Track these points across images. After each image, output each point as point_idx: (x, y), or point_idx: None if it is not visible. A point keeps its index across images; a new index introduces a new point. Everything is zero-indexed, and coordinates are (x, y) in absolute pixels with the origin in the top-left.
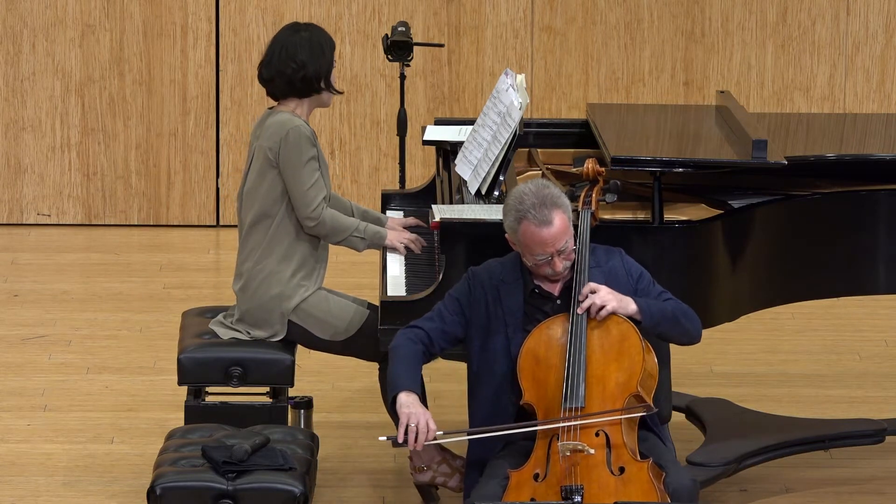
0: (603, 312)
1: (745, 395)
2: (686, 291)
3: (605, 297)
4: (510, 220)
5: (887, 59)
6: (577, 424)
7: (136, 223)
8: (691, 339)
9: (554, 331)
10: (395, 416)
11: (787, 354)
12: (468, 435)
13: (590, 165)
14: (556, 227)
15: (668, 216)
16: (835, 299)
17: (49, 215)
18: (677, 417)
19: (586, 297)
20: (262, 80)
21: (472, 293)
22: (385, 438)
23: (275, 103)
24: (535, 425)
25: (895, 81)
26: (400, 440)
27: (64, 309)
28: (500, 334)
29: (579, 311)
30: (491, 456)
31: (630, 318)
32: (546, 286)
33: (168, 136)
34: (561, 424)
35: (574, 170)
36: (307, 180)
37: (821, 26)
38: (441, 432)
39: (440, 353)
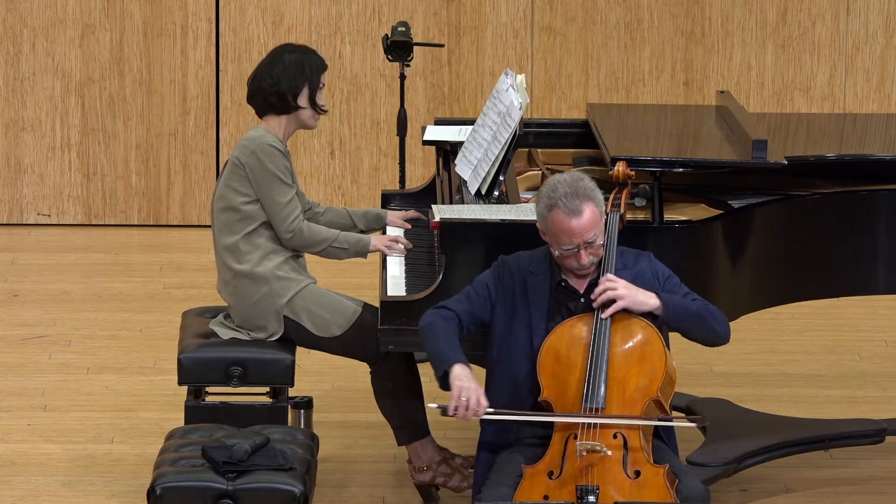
0: (611, 309)
1: (745, 395)
2: None
3: (620, 292)
4: (541, 206)
5: (887, 59)
6: (615, 424)
7: (136, 223)
8: (719, 338)
9: (577, 330)
10: (446, 389)
11: (787, 354)
12: (517, 416)
13: (620, 168)
14: (585, 219)
15: (668, 216)
16: (835, 299)
17: (49, 215)
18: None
19: (604, 289)
20: (248, 95)
21: (501, 280)
22: (435, 406)
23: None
24: (568, 417)
25: (895, 81)
26: (450, 413)
27: (64, 309)
28: (524, 324)
29: (594, 304)
30: (503, 440)
31: (650, 312)
32: (572, 281)
33: (168, 136)
34: (615, 420)
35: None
36: (283, 196)
37: (821, 26)
38: (491, 409)
39: (467, 335)
